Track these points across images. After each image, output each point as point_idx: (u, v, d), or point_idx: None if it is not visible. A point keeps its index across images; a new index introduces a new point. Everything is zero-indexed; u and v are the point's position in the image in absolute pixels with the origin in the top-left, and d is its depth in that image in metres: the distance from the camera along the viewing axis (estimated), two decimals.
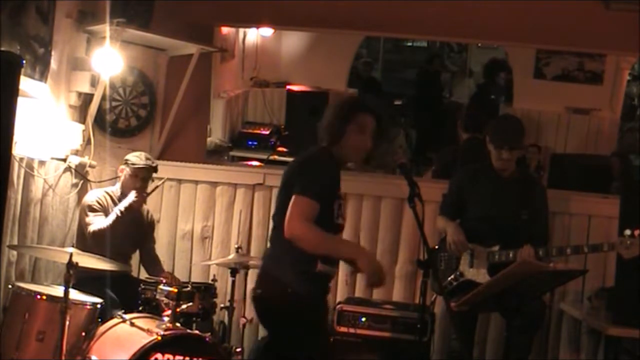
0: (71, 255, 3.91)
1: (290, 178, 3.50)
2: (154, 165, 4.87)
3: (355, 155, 3.59)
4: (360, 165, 3.78)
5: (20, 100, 3.12)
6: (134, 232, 4.92)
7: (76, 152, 5.10)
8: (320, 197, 3.39)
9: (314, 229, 3.37)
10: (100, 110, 5.24)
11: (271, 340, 3.96)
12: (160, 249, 5.28)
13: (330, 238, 3.45)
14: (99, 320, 4.23)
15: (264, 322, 3.73)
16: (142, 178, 4.82)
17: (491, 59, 9.94)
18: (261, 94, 9.04)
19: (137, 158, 4.83)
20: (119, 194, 4.87)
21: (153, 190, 4.96)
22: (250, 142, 8.11)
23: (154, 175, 4.92)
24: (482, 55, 13.40)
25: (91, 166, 5.17)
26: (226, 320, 4.93)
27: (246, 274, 4.92)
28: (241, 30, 8.16)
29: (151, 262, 5.01)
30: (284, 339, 3.57)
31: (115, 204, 4.81)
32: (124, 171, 4.85)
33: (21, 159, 4.47)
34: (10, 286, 4.15)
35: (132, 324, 4.13)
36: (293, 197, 3.38)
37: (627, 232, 4.15)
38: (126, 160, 4.86)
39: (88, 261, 4.05)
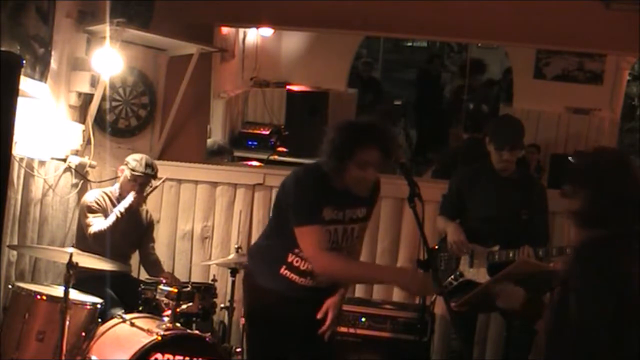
0: (71, 255, 3.91)
1: (282, 196, 3.48)
2: (152, 173, 4.84)
3: (357, 187, 3.40)
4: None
5: (20, 100, 3.11)
6: (133, 232, 4.92)
7: (76, 152, 5.10)
8: (317, 219, 3.33)
9: (338, 260, 3.39)
10: (100, 110, 5.25)
11: None
12: (160, 249, 5.28)
13: (360, 267, 3.49)
14: (99, 320, 4.23)
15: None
16: (140, 183, 4.81)
17: (467, 60, 9.90)
18: (261, 94, 9.04)
19: (138, 163, 4.79)
20: (117, 194, 4.86)
21: (152, 191, 4.96)
22: (250, 142, 8.11)
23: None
24: (482, 55, 13.41)
25: (91, 166, 5.17)
26: (226, 320, 4.93)
27: None
28: (241, 30, 8.15)
29: (151, 262, 5.01)
30: (246, 325, 3.72)
31: (113, 205, 4.81)
32: (124, 172, 4.84)
33: (21, 159, 4.47)
34: (10, 286, 4.15)
35: (132, 324, 4.13)
36: (296, 230, 3.35)
37: None
38: (127, 162, 4.83)
39: (88, 261, 4.05)
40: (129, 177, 4.80)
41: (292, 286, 3.51)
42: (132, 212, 4.81)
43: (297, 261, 3.49)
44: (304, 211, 3.34)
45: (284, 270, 3.50)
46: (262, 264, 3.60)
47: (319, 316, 3.54)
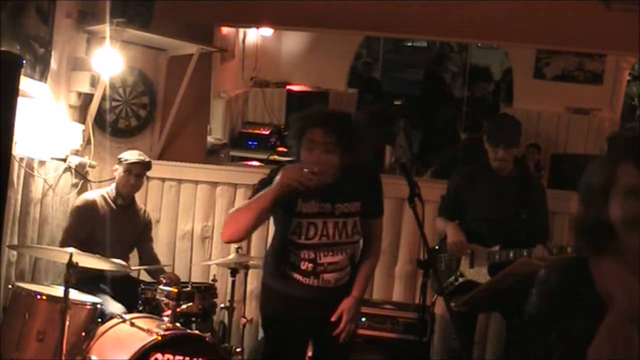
0: (71, 255, 3.91)
1: None
2: (147, 160, 4.86)
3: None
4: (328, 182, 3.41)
5: (20, 100, 3.12)
6: (129, 232, 4.90)
7: (76, 152, 5.10)
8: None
9: (228, 216, 3.44)
10: (100, 110, 5.25)
11: None
12: (161, 249, 5.28)
13: (243, 206, 3.43)
14: (99, 320, 4.24)
15: None
16: (135, 174, 4.81)
17: (472, 67, 9.85)
18: (261, 94, 9.04)
19: (129, 154, 4.83)
20: (113, 194, 4.85)
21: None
22: (250, 142, 8.11)
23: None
24: (482, 55, 13.40)
25: (91, 166, 5.17)
26: (226, 320, 4.93)
27: (246, 274, 4.92)
28: (241, 30, 8.16)
29: (151, 262, 5.00)
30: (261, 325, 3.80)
31: (109, 206, 4.80)
32: (117, 170, 4.84)
33: (21, 159, 4.47)
34: (10, 286, 4.15)
35: (132, 324, 4.13)
36: None
37: None
38: (119, 158, 4.84)
39: (88, 261, 4.05)
40: (124, 169, 4.79)
41: (298, 286, 3.51)
42: (129, 211, 4.84)
43: (297, 261, 3.50)
44: (260, 187, 3.40)
45: (288, 270, 3.52)
46: (270, 265, 3.62)
47: (332, 319, 3.52)
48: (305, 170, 3.26)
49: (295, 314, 3.54)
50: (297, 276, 3.51)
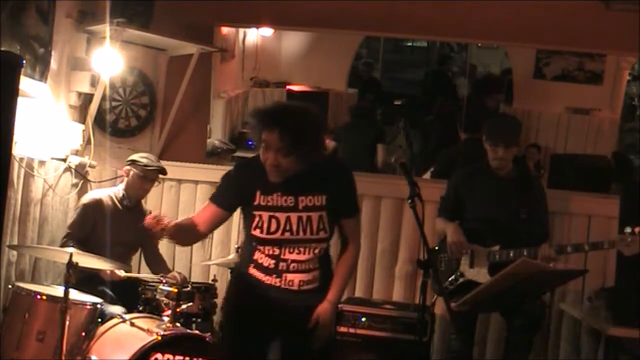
0: (71, 255, 3.91)
1: None
2: (162, 167, 4.85)
3: (270, 172, 3.30)
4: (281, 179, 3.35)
5: (20, 100, 3.12)
6: (132, 234, 4.89)
7: (76, 152, 5.10)
8: (214, 201, 3.45)
9: None
10: (100, 110, 5.24)
11: None
12: (161, 249, 5.27)
13: None
14: (99, 320, 4.23)
15: None
16: (151, 179, 4.81)
17: (485, 76, 9.80)
18: (261, 94, 9.04)
19: (147, 159, 4.79)
20: (120, 195, 4.84)
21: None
22: (250, 142, 8.09)
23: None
24: (482, 55, 13.40)
25: (91, 166, 5.17)
26: None
27: None
28: (241, 30, 8.16)
29: (155, 261, 4.97)
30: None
31: (115, 206, 4.79)
32: (130, 172, 4.80)
33: (21, 159, 4.47)
34: (10, 286, 4.15)
35: (132, 324, 4.13)
36: None
37: (628, 229, 4.16)
38: (133, 160, 4.79)
39: (88, 261, 4.05)
40: (140, 175, 4.76)
41: (261, 287, 3.37)
42: (134, 213, 4.84)
43: (261, 258, 3.38)
44: (216, 191, 3.48)
45: (252, 269, 3.39)
46: (239, 266, 3.58)
47: (310, 325, 3.35)
48: (154, 219, 3.22)
49: (256, 315, 3.38)
50: (260, 274, 3.37)
